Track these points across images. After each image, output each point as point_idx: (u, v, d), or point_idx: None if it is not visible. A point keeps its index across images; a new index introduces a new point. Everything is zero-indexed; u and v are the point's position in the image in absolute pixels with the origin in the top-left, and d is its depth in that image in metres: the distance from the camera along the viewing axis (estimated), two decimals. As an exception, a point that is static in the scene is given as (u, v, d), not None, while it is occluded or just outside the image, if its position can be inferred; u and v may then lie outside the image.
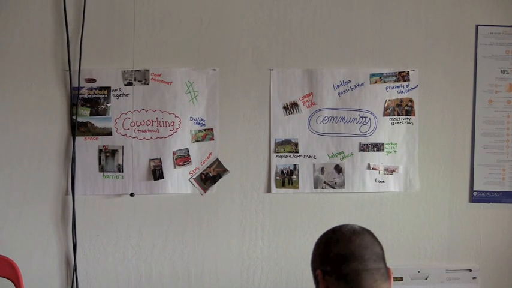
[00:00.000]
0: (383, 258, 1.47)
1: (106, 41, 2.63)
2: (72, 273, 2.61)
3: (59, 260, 2.63)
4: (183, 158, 2.66)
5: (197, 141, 2.67)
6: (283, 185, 2.71)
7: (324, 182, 2.71)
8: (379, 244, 1.48)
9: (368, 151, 2.72)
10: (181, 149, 2.66)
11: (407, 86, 2.74)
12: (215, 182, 2.68)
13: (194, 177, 2.67)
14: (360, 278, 1.40)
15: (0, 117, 2.59)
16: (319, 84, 2.71)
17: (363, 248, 1.43)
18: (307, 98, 2.71)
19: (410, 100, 2.74)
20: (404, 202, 2.76)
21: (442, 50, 2.75)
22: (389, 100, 2.73)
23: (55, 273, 2.62)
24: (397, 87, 2.73)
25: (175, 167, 2.65)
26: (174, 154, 2.65)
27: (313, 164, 2.71)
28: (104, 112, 2.63)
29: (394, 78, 2.73)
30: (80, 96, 2.61)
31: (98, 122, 2.63)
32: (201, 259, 2.69)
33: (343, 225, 1.51)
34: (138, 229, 2.66)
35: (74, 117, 2.60)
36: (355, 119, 2.72)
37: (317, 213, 2.72)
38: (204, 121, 2.68)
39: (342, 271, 1.41)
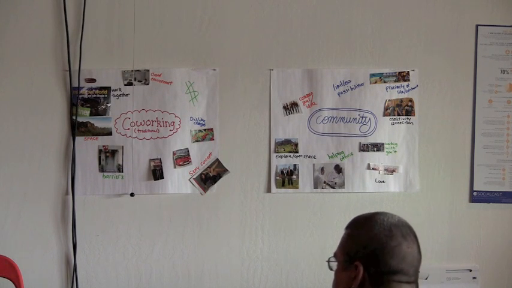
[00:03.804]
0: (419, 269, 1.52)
1: (106, 41, 2.63)
2: (72, 273, 2.61)
3: (59, 260, 2.62)
4: (183, 158, 2.66)
5: (197, 141, 2.67)
6: (283, 185, 2.70)
7: (324, 182, 2.71)
8: (421, 255, 1.55)
9: (368, 151, 2.72)
10: (181, 149, 2.66)
11: (407, 86, 2.73)
12: (215, 182, 2.68)
13: (194, 177, 2.67)
14: None
15: (0, 117, 2.59)
16: (319, 84, 2.71)
17: (412, 266, 1.50)
18: (307, 98, 2.71)
19: (410, 100, 2.73)
20: (405, 202, 2.75)
21: (442, 50, 2.75)
22: (389, 100, 2.73)
23: (55, 273, 2.62)
24: (397, 87, 2.73)
25: (175, 167, 2.65)
26: (174, 154, 2.65)
27: (313, 164, 2.71)
28: (104, 112, 2.63)
29: (394, 78, 2.73)
30: (80, 96, 2.61)
31: (98, 122, 2.63)
32: (201, 259, 2.69)
33: (399, 224, 1.53)
34: (138, 229, 2.66)
35: (74, 117, 2.60)
36: (355, 119, 2.72)
37: (317, 213, 2.72)
38: (204, 121, 2.68)
39: (385, 279, 1.45)
